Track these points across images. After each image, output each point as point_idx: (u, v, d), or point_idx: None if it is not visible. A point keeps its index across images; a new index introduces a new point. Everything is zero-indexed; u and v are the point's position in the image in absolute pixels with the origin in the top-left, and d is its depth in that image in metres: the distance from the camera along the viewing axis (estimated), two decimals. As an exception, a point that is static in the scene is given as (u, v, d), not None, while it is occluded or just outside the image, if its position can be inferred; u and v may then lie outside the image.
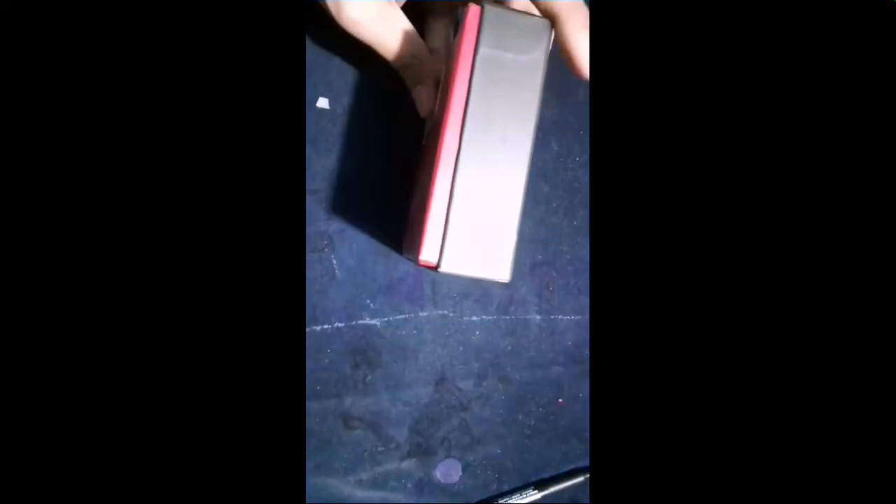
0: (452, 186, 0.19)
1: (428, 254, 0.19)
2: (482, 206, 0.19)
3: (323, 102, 0.31)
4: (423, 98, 0.27)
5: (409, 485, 0.35)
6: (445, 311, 0.34)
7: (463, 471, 0.36)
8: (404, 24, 0.25)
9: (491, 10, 0.20)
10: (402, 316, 0.34)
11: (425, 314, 0.34)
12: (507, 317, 0.35)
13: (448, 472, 0.35)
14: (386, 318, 0.34)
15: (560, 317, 0.35)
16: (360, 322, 0.34)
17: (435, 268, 0.19)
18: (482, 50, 0.20)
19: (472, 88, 0.20)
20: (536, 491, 0.35)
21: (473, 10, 0.20)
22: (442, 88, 0.25)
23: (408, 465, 0.35)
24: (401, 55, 0.26)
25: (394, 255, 0.33)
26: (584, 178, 0.35)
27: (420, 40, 0.26)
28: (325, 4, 0.24)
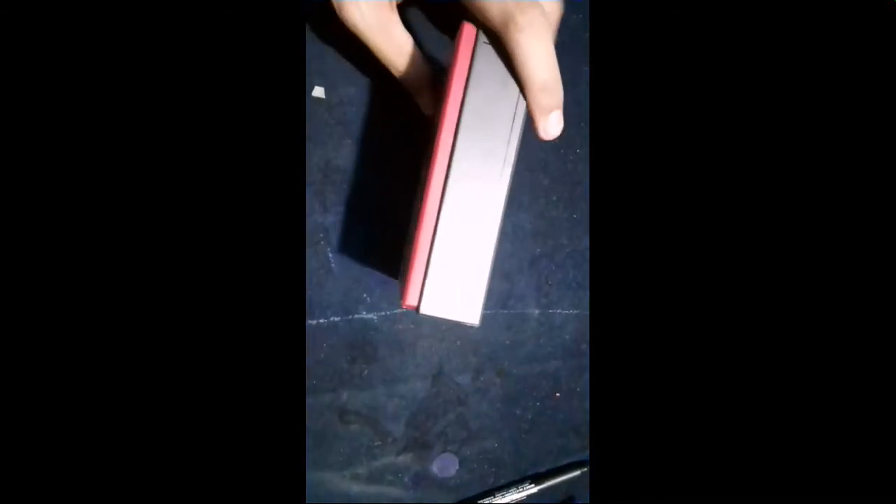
0: (432, 245, 0.23)
1: (411, 299, 0.23)
2: (458, 258, 0.23)
3: (319, 92, 0.30)
4: (424, 103, 0.28)
5: (405, 479, 0.35)
6: (443, 305, 0.34)
7: (460, 465, 0.35)
8: (402, 35, 0.26)
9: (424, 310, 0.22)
10: (399, 309, 0.34)
11: (423, 308, 0.34)
12: (506, 311, 0.35)
13: (445, 466, 0.35)
14: (382, 312, 0.33)
15: (558, 311, 0.35)
16: (357, 316, 0.33)
17: (416, 310, 0.23)
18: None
19: (455, 149, 0.22)
20: (533, 485, 0.35)
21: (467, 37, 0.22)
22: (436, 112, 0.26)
23: (404, 459, 0.35)
24: (397, 67, 0.26)
25: (390, 248, 0.33)
26: (584, 170, 0.34)
27: (416, 52, 0.26)
28: (332, 2, 0.25)
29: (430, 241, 0.23)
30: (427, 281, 0.23)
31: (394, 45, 0.26)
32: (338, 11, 0.24)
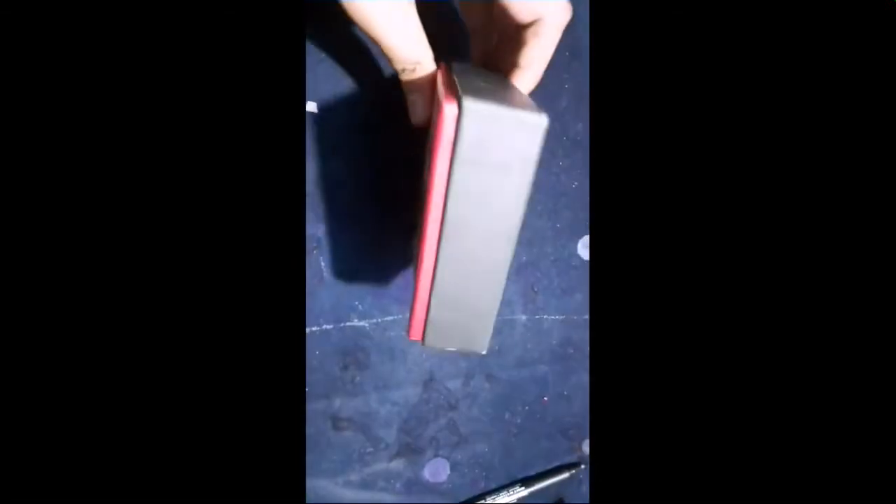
0: (434, 276, 0.20)
1: (415, 333, 0.21)
2: (464, 289, 0.20)
3: (311, 106, 0.31)
4: (418, 107, 0.27)
5: (397, 485, 0.36)
6: (433, 312, 0.35)
7: (451, 470, 0.36)
8: (416, 25, 0.24)
9: (471, 110, 0.17)
10: (391, 317, 0.34)
11: (413, 315, 0.35)
12: (494, 317, 0.35)
13: (436, 471, 0.36)
14: (374, 320, 0.34)
15: (545, 316, 0.36)
16: (349, 324, 0.34)
17: (421, 342, 0.21)
18: (459, 163, 0.18)
19: (450, 194, 0.18)
20: (523, 488, 0.36)
21: (449, 112, 0.17)
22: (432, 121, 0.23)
23: (396, 465, 0.35)
24: (404, 58, 0.24)
25: (382, 257, 0.34)
26: (567, 181, 0.36)
27: (427, 47, 0.25)
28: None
29: (431, 273, 0.20)
30: (430, 314, 0.20)
31: (404, 32, 0.24)
32: (347, 3, 0.22)
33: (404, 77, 0.26)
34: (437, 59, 0.26)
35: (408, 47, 0.24)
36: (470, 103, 0.17)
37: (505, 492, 0.36)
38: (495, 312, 0.21)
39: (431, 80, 0.26)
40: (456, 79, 0.20)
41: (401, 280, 0.34)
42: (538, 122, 0.17)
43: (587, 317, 0.38)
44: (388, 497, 0.35)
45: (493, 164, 0.18)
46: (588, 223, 0.36)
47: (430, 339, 0.21)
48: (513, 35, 0.26)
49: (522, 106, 0.17)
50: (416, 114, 0.27)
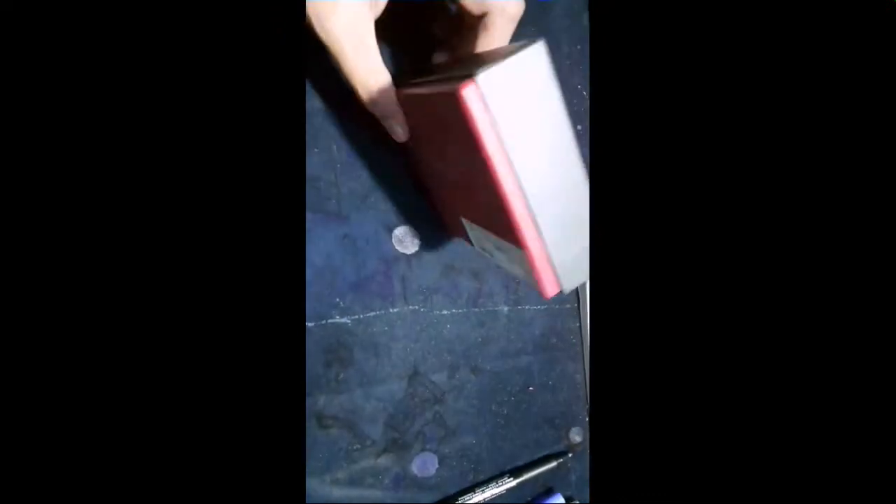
0: (538, 231, 0.21)
1: (550, 289, 0.22)
2: (562, 225, 0.21)
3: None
4: (396, 131, 0.28)
5: (385, 481, 0.36)
6: (416, 306, 0.35)
7: (439, 463, 0.36)
8: (377, 54, 0.25)
9: (485, 79, 0.18)
10: (373, 313, 0.34)
11: (396, 310, 0.35)
12: (477, 309, 0.35)
13: (424, 465, 0.36)
14: (356, 316, 0.34)
15: (527, 307, 0.36)
16: (331, 321, 0.34)
17: (560, 291, 0.22)
18: (502, 126, 0.19)
19: (512, 160, 0.20)
20: (512, 478, 0.36)
21: (470, 93, 0.18)
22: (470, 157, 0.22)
23: (384, 460, 0.35)
24: (368, 88, 0.26)
25: (362, 253, 0.34)
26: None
27: (386, 79, 0.26)
28: (310, 19, 0.24)
29: (534, 229, 0.21)
30: (554, 265, 0.21)
31: (369, 62, 0.25)
32: (313, 18, 0.23)
33: (367, 98, 0.26)
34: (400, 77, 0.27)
35: (363, 73, 0.25)
36: (481, 75, 0.18)
37: (494, 483, 0.36)
38: (587, 236, 0.22)
39: (394, 100, 0.26)
40: (442, 73, 0.22)
41: (382, 275, 0.34)
42: (538, 50, 0.19)
43: (569, 306, 0.38)
44: (376, 494, 0.35)
45: (528, 109, 0.19)
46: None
47: (566, 285, 0.22)
48: (468, 31, 0.27)
49: (513, 51, 0.19)
50: (398, 135, 0.28)
